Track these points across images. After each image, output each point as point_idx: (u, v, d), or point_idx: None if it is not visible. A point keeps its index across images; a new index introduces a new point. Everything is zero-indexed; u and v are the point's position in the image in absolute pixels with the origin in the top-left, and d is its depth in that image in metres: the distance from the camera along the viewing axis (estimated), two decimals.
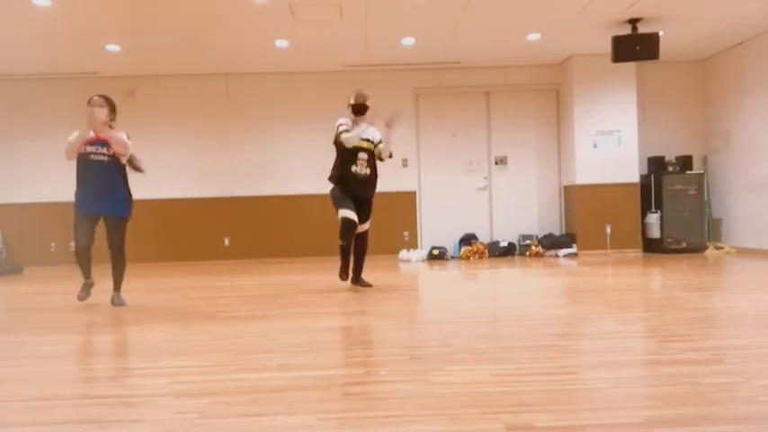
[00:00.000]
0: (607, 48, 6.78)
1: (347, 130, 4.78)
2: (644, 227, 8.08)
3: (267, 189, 8.36)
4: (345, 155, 4.81)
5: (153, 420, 1.87)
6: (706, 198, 7.99)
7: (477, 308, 4.00)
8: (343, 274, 4.88)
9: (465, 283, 5.60)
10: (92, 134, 4.31)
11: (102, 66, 7.79)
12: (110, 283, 4.46)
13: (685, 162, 7.98)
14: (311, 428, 1.76)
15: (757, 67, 7.33)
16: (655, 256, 7.48)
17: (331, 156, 5.01)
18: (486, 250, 7.98)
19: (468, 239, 8.12)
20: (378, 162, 5.00)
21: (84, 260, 4.39)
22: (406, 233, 8.35)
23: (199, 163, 8.37)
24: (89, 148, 4.29)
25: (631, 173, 7.96)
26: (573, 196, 8.07)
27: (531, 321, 3.36)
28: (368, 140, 4.87)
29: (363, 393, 2.08)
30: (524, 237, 8.24)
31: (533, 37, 7.12)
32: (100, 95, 4.44)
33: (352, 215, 4.74)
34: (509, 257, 7.96)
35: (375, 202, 5.04)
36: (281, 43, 7.09)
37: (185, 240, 8.27)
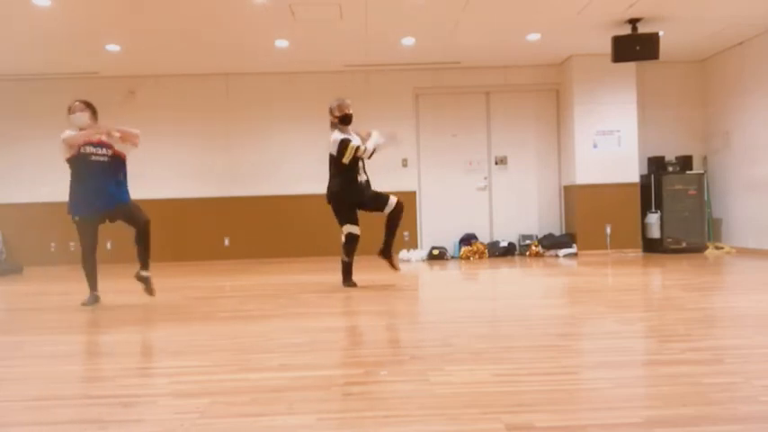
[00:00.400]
0: (607, 48, 6.78)
1: (358, 145, 4.85)
2: (644, 227, 8.08)
3: (267, 189, 8.36)
4: (351, 167, 4.87)
5: (153, 420, 1.87)
6: (706, 198, 7.99)
7: (477, 308, 4.00)
8: (351, 282, 5.01)
9: (465, 283, 5.60)
10: (98, 137, 4.33)
11: (102, 66, 7.79)
12: (109, 284, 4.49)
13: (685, 162, 7.98)
14: (311, 428, 1.76)
15: (757, 67, 7.33)
16: (655, 256, 7.48)
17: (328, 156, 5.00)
18: (486, 250, 7.98)
19: (468, 239, 8.12)
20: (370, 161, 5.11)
21: (92, 266, 4.42)
22: (406, 233, 8.35)
23: (199, 163, 8.37)
24: (89, 149, 4.31)
25: (631, 173, 7.96)
26: (573, 196, 8.07)
27: (531, 321, 3.36)
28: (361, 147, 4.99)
29: (363, 393, 2.08)
30: (524, 237, 8.25)
31: (533, 37, 7.12)
32: (79, 100, 4.47)
33: (358, 231, 4.91)
34: (509, 257, 7.96)
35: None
36: (281, 43, 7.09)
37: (185, 240, 8.27)
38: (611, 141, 7.94)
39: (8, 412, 2.00)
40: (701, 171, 8.09)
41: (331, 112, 4.97)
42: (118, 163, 4.43)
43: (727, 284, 4.90)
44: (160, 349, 2.90)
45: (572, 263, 7.05)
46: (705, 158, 8.41)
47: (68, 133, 4.30)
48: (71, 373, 2.55)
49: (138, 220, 4.39)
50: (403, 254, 7.98)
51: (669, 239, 7.83)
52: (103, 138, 4.36)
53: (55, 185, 7.64)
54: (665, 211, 7.83)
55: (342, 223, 4.95)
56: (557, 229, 8.46)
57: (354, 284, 5.01)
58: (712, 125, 8.31)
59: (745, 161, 7.63)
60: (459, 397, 2.00)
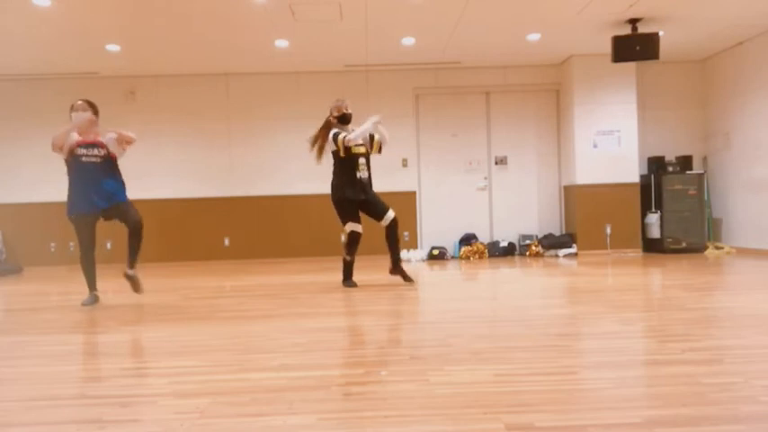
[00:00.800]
0: (607, 48, 6.79)
1: (344, 135, 4.89)
2: (644, 227, 8.08)
3: (267, 189, 8.37)
4: (348, 162, 4.93)
5: (153, 420, 1.86)
6: (706, 198, 8.00)
7: (477, 308, 4.00)
8: (352, 282, 5.05)
9: (465, 284, 5.60)
10: (75, 136, 4.33)
11: (102, 66, 7.79)
12: (109, 284, 4.49)
13: (685, 162, 7.98)
14: (311, 428, 1.76)
15: (757, 67, 7.33)
16: (655, 256, 7.48)
17: (329, 156, 5.04)
18: (486, 250, 7.98)
19: (468, 239, 8.12)
20: (372, 161, 5.13)
21: (91, 266, 4.43)
22: (405, 233, 8.35)
23: (199, 163, 8.37)
24: (80, 151, 4.34)
25: (631, 173, 7.96)
26: (573, 196, 8.07)
27: (531, 321, 3.36)
28: (362, 144, 5.01)
29: (363, 393, 2.08)
30: (524, 237, 8.25)
31: (533, 37, 7.12)
32: (82, 100, 4.49)
33: (358, 227, 4.94)
34: (509, 257, 7.96)
35: None
36: (281, 43, 7.09)
37: (185, 240, 8.27)
38: (611, 141, 7.95)
39: (8, 412, 2.00)
40: (701, 171, 8.09)
41: (330, 112, 5.05)
42: (112, 164, 4.44)
43: (727, 284, 4.90)
44: (160, 349, 2.89)
45: (572, 263, 7.04)
46: (705, 158, 8.41)
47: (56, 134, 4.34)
48: (71, 373, 2.55)
49: (131, 219, 4.40)
50: (403, 254, 7.98)
51: (669, 239, 7.83)
52: (99, 138, 4.37)
53: (55, 185, 7.64)
54: (665, 211, 7.84)
55: (344, 221, 4.98)
56: (557, 229, 8.46)
57: (354, 284, 5.02)
58: (712, 125, 8.31)
59: (745, 161, 7.63)
60: (459, 397, 1.99)
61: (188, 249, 8.28)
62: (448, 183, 8.48)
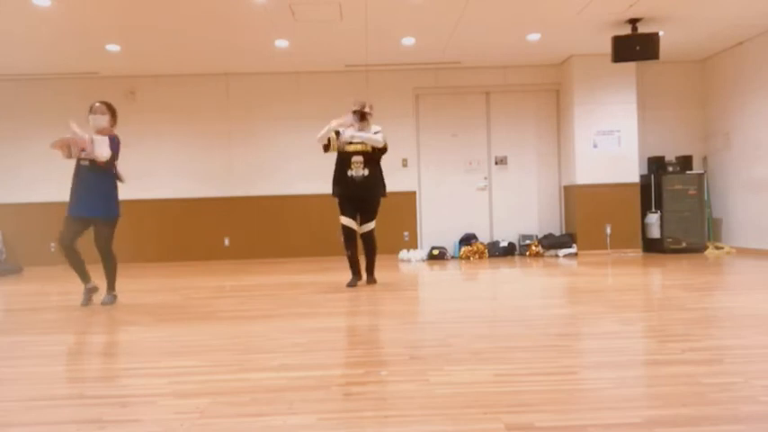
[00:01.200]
0: (607, 48, 6.79)
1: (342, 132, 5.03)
2: (644, 227, 8.08)
3: (267, 189, 8.37)
4: (340, 160, 5.06)
5: (153, 420, 1.86)
6: (706, 198, 8.00)
7: (477, 308, 4.00)
8: (352, 282, 5.09)
9: (465, 284, 5.59)
10: (68, 136, 4.33)
11: (102, 66, 7.79)
12: (104, 284, 4.50)
13: (685, 162, 7.98)
14: (311, 428, 1.76)
15: (757, 68, 7.33)
16: (655, 256, 7.48)
17: (329, 156, 5.11)
18: (486, 250, 7.98)
19: (468, 239, 8.12)
20: (380, 161, 5.13)
21: (71, 257, 4.39)
22: (406, 233, 8.35)
23: (199, 163, 8.37)
24: (81, 153, 4.34)
25: (631, 173, 7.96)
26: (573, 196, 8.07)
27: (531, 321, 3.36)
28: (361, 143, 5.03)
29: (363, 393, 2.08)
30: (524, 237, 8.25)
31: (533, 37, 7.12)
32: (102, 102, 4.49)
33: (349, 222, 5.01)
34: (509, 257, 7.96)
35: None
36: (281, 43, 7.09)
37: (185, 240, 8.27)
38: (611, 141, 7.95)
39: (8, 412, 2.00)
40: (701, 171, 8.09)
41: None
42: (103, 167, 4.37)
43: (727, 284, 4.90)
44: (160, 349, 2.89)
45: (572, 263, 7.04)
46: (705, 158, 8.41)
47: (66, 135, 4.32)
48: (71, 373, 2.55)
49: (98, 244, 4.43)
50: (403, 254, 7.98)
51: (669, 239, 7.83)
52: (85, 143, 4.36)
53: (55, 185, 7.67)
54: (665, 211, 7.83)
55: (340, 215, 5.11)
56: (557, 229, 8.46)
57: (353, 284, 5.04)
58: (712, 125, 8.31)
59: (745, 161, 7.63)
60: (459, 397, 1.99)
61: (188, 249, 8.28)
62: (448, 183, 8.48)
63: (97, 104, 4.44)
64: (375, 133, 5.07)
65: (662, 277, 5.46)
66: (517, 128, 8.50)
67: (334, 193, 5.11)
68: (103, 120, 4.40)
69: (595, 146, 7.94)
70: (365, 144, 5.01)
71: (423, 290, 5.21)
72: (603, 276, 5.62)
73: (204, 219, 8.31)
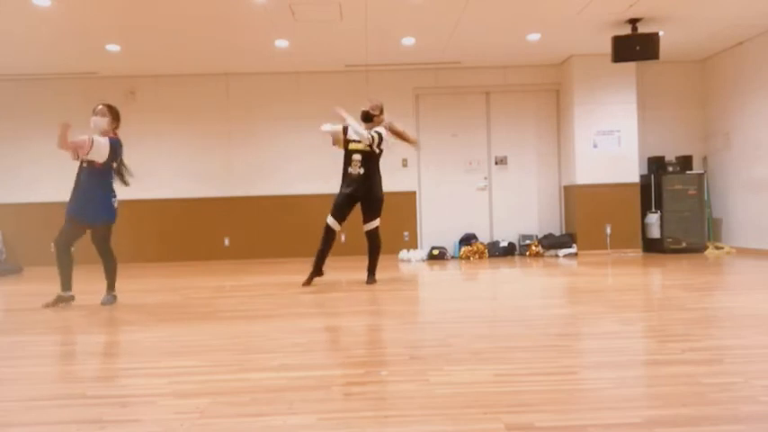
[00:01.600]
0: (607, 48, 6.79)
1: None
2: (644, 227, 8.08)
3: (267, 189, 8.36)
4: (344, 157, 5.19)
5: (153, 420, 1.87)
6: (706, 198, 7.99)
7: (477, 308, 4.00)
8: (307, 281, 5.21)
9: (465, 284, 5.60)
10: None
11: (102, 66, 7.79)
12: (104, 284, 4.51)
13: (685, 162, 7.98)
14: (311, 428, 1.76)
15: (757, 68, 7.33)
16: (655, 256, 7.48)
17: (329, 156, 5.15)
18: (486, 250, 7.98)
19: (468, 239, 8.12)
20: (379, 162, 5.20)
21: (63, 258, 4.40)
22: (406, 233, 8.35)
23: (199, 163, 8.37)
24: (81, 155, 4.35)
25: (631, 173, 7.96)
26: (573, 196, 8.07)
27: (531, 321, 3.36)
28: (359, 141, 5.10)
29: (363, 393, 2.08)
30: (524, 237, 8.25)
31: (533, 37, 7.12)
32: (104, 104, 4.51)
33: (331, 221, 5.14)
34: (509, 257, 7.95)
35: None
36: (281, 43, 7.09)
37: (185, 240, 8.27)
38: (611, 141, 7.94)
39: (8, 412, 2.00)
40: (701, 171, 8.09)
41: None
42: (99, 170, 4.37)
43: (727, 284, 4.90)
44: (160, 349, 2.89)
45: (572, 263, 7.04)
46: (705, 158, 8.41)
47: (83, 137, 4.33)
48: (71, 373, 2.55)
49: (97, 246, 4.49)
50: (403, 254, 7.98)
51: (669, 239, 7.83)
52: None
53: (54, 185, 7.67)
54: (665, 211, 7.83)
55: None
56: (557, 229, 8.46)
57: (308, 283, 5.16)
58: (712, 125, 8.31)
59: (745, 161, 7.63)
60: (459, 397, 1.99)
61: (188, 249, 8.28)
62: (448, 183, 8.48)
63: (99, 107, 4.48)
64: (375, 133, 5.10)
65: (662, 277, 5.46)
66: (517, 128, 8.50)
67: (341, 188, 5.22)
68: (103, 122, 4.41)
69: (595, 146, 7.94)
70: (364, 143, 5.07)
71: (423, 290, 5.21)
72: (603, 276, 5.62)
73: (204, 219, 8.31)
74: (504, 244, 8.12)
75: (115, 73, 8.10)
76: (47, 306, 4.35)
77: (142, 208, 8.01)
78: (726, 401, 1.89)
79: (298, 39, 6.93)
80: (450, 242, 8.25)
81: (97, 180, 4.39)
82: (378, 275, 5.39)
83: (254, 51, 7.41)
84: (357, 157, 5.09)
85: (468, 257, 7.86)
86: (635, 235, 7.99)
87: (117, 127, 4.53)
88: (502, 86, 8.46)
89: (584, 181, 7.91)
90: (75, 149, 4.32)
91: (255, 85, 8.39)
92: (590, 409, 1.88)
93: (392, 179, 8.00)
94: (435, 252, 7.95)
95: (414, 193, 8.41)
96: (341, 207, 5.15)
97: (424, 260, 7.89)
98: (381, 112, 5.25)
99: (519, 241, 8.27)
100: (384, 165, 5.22)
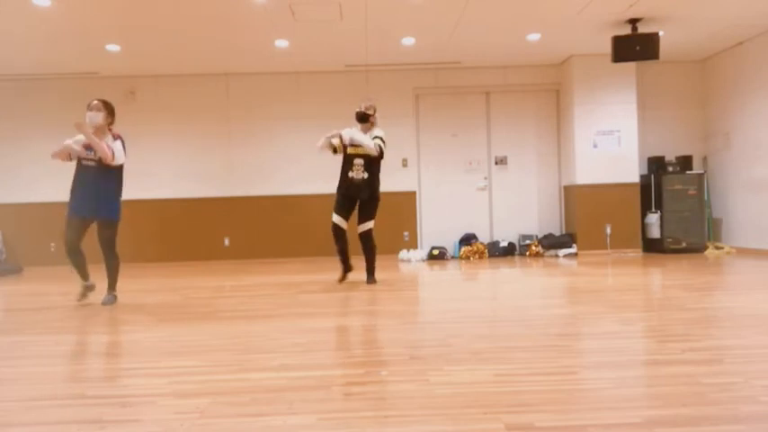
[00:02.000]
0: (607, 48, 6.79)
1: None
2: (644, 227, 8.08)
3: (267, 189, 8.37)
4: (344, 160, 5.18)
5: (153, 420, 1.86)
6: (706, 198, 8.00)
7: (477, 308, 4.00)
8: (341, 278, 5.27)
9: (465, 284, 5.59)
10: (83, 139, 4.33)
11: (102, 66, 7.79)
12: (104, 284, 4.51)
13: (685, 162, 7.98)
14: (311, 428, 1.76)
15: (757, 68, 7.33)
16: (655, 256, 7.48)
17: (329, 156, 5.18)
18: (486, 250, 7.98)
19: (468, 239, 8.12)
20: (379, 165, 5.20)
21: (75, 258, 4.41)
22: (405, 233, 8.35)
23: (199, 163, 8.37)
24: (84, 153, 4.34)
25: (631, 173, 7.96)
26: (573, 196, 8.07)
27: (531, 321, 3.36)
28: (359, 146, 5.09)
29: (363, 393, 2.08)
30: (524, 237, 8.25)
31: (533, 37, 7.12)
32: (99, 99, 4.48)
33: (336, 219, 5.16)
34: (509, 257, 7.95)
35: None
36: (281, 43, 7.09)
37: (185, 240, 8.27)
38: (611, 141, 7.95)
39: (8, 412, 2.00)
40: (701, 171, 8.09)
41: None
42: (109, 168, 4.38)
43: (727, 284, 4.90)
44: (160, 349, 2.89)
45: (572, 263, 7.04)
46: (705, 158, 8.41)
47: (68, 142, 4.32)
48: (71, 373, 2.55)
49: (102, 242, 4.46)
50: (403, 254, 7.98)
51: (669, 239, 7.83)
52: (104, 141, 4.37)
53: (54, 185, 7.68)
54: (665, 211, 7.83)
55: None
56: (557, 229, 8.46)
57: (343, 279, 5.23)
58: (712, 125, 8.31)
59: (745, 161, 7.63)
60: (459, 397, 1.99)
61: (188, 249, 8.28)
62: (448, 183, 8.48)
63: (94, 102, 4.43)
64: (374, 138, 5.09)
65: (662, 277, 5.46)
66: (517, 128, 8.50)
67: (337, 191, 5.23)
68: (99, 117, 4.37)
69: (595, 146, 7.94)
70: (372, 155, 5.08)
71: (423, 290, 5.21)
72: (603, 276, 5.62)
73: (204, 219, 8.31)
74: (504, 244, 8.12)
75: (115, 73, 8.10)
76: (79, 300, 4.47)
77: (142, 208, 8.01)
78: (726, 401, 1.89)
79: (298, 39, 6.93)
80: (450, 242, 8.25)
81: (107, 177, 4.40)
82: (378, 275, 5.40)
83: (254, 51, 7.41)
84: (359, 161, 5.05)
85: (468, 257, 7.86)
86: (635, 235, 7.99)
87: (112, 122, 4.49)
88: (502, 86, 8.46)
89: (584, 181, 7.92)
90: (104, 152, 4.30)
91: (255, 85, 8.39)
92: (590, 409, 1.88)
93: (392, 179, 8.01)
94: (435, 252, 7.95)
95: (414, 193, 8.41)
96: (343, 204, 5.16)
97: (424, 260, 7.89)
98: (375, 111, 5.23)
99: (519, 241, 8.27)
100: (384, 165, 5.22)
